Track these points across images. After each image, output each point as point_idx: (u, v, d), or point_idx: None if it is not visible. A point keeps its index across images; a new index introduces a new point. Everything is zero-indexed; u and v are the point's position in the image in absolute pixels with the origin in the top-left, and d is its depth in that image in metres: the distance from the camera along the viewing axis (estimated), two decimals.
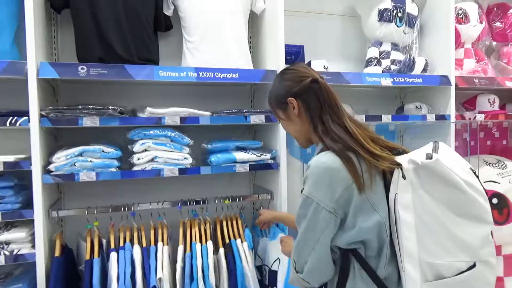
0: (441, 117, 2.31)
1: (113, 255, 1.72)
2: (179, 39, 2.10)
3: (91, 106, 1.71)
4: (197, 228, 1.90)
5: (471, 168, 1.15)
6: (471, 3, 2.55)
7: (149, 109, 1.78)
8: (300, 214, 1.19)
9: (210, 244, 1.81)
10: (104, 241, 1.82)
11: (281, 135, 1.98)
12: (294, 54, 2.21)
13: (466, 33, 2.49)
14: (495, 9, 2.70)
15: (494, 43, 2.73)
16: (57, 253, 1.71)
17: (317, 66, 2.17)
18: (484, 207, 1.09)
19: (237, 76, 1.90)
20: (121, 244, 1.80)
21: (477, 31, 2.53)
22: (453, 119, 2.33)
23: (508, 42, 2.69)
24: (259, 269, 1.97)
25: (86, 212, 1.80)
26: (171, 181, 2.18)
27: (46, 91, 1.80)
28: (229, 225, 1.98)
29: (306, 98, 1.26)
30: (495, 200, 2.40)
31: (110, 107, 1.72)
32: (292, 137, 1.39)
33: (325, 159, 1.17)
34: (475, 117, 2.42)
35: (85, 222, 1.82)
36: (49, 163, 1.70)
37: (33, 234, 1.68)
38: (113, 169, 1.76)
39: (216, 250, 1.85)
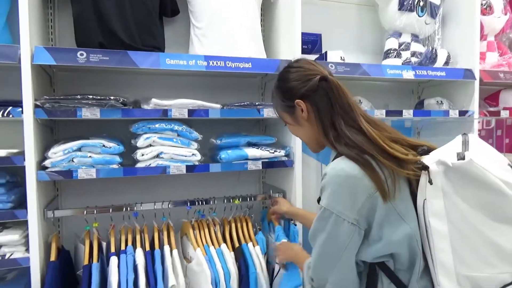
0: (464, 113, 2.16)
1: (114, 260, 1.57)
2: (186, 26, 1.95)
3: (91, 96, 1.55)
4: (206, 230, 1.75)
5: (509, 164, 1.01)
6: None
7: (154, 100, 1.63)
8: (318, 228, 1.07)
9: (224, 247, 1.67)
10: (104, 244, 1.68)
11: None
12: (311, 43, 2.06)
13: (489, 25, 2.34)
14: None
15: None
16: (52, 257, 1.56)
17: (334, 57, 2.02)
18: None
19: (250, 66, 1.75)
20: (123, 247, 1.65)
21: (501, 23, 2.39)
22: (476, 115, 2.18)
23: None
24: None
25: (85, 212, 1.65)
26: (175, 179, 2.03)
27: (41, 79, 1.64)
28: (239, 227, 1.83)
29: (315, 100, 1.12)
30: None
31: (112, 97, 1.56)
32: (302, 141, 1.29)
33: (343, 166, 1.03)
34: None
35: (84, 223, 1.67)
36: (45, 158, 1.55)
37: (27, 237, 1.53)
38: (115, 166, 1.61)
39: None
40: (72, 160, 1.57)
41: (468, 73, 2.16)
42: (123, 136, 1.76)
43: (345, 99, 1.12)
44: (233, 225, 1.83)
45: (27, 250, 1.55)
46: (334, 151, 1.15)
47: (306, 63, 1.18)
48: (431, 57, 2.16)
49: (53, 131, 1.85)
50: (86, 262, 1.57)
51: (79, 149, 1.58)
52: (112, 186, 1.94)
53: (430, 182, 0.99)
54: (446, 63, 2.22)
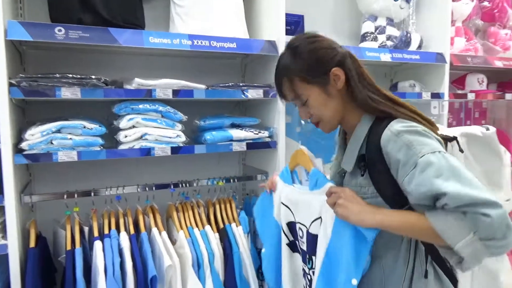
0: (436, 96, 2.26)
1: (98, 244, 1.53)
2: (164, 4, 1.88)
3: (70, 75, 1.47)
4: (190, 212, 1.74)
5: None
6: None
7: (137, 80, 1.58)
8: (437, 175, 0.90)
9: (208, 228, 1.67)
10: (86, 228, 1.63)
11: (279, 111, 1.84)
12: (294, 24, 2.05)
13: (459, 10, 2.44)
14: None
15: (481, 22, 2.71)
16: (32, 244, 1.50)
17: None
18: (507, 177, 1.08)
19: (235, 46, 1.72)
20: (106, 231, 1.61)
21: (469, 9, 2.49)
22: (446, 97, 2.29)
23: (495, 22, 2.69)
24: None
25: (65, 196, 1.59)
26: (156, 162, 1.99)
27: (12, 57, 1.54)
28: (223, 208, 1.84)
29: (349, 66, 1.08)
30: None
31: (93, 76, 1.50)
32: (321, 119, 1.13)
33: (409, 123, 1.00)
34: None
35: (61, 208, 1.61)
36: (21, 140, 1.47)
37: (3, 223, 1.45)
38: (97, 148, 1.55)
39: None
40: (51, 142, 1.49)
41: (439, 57, 2.26)
42: (101, 118, 1.69)
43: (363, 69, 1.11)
44: (217, 206, 1.82)
45: (4, 237, 1.47)
46: (370, 117, 1.09)
47: (318, 34, 1.14)
48: (406, 41, 2.23)
49: (24, 113, 1.75)
50: (68, 247, 1.52)
51: (58, 131, 1.51)
52: (92, 170, 1.87)
53: (462, 150, 1.05)
54: (419, 47, 2.30)
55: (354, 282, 1.04)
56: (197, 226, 1.72)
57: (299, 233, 1.27)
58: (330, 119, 1.13)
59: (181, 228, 1.68)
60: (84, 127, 1.54)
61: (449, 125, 2.40)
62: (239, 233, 1.75)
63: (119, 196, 1.68)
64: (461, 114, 2.90)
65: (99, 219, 1.65)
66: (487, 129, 1.14)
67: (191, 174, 1.96)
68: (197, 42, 1.66)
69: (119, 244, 1.56)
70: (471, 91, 2.45)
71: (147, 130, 1.61)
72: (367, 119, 1.10)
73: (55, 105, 1.77)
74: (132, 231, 1.63)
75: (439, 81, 2.31)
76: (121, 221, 1.65)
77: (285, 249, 1.34)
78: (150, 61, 1.94)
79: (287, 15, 1.84)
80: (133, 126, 1.62)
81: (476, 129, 1.23)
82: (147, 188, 1.71)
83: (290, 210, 1.30)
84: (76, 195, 1.60)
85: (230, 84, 1.78)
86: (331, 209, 1.07)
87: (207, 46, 1.67)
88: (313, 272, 1.19)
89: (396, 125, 1.00)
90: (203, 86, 1.71)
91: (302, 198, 1.24)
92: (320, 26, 2.35)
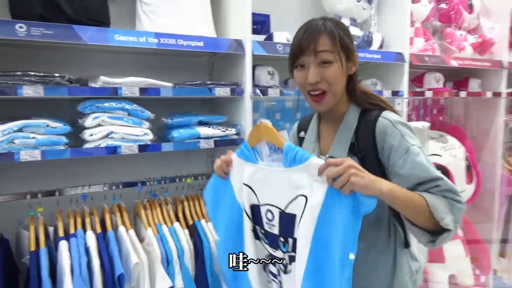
0: (396, 93, 2.37)
1: (63, 244, 1.52)
2: (130, 2, 1.87)
3: (32, 73, 1.45)
4: (158, 210, 1.75)
5: None
6: None
7: (103, 78, 1.56)
8: (420, 162, 1.08)
9: (177, 225, 1.68)
10: (51, 229, 1.61)
11: (246, 108, 1.88)
12: (260, 23, 2.08)
13: (418, 12, 2.55)
14: None
15: (438, 23, 2.85)
16: None
17: (280, 38, 2.07)
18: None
19: (202, 45, 1.74)
20: (72, 231, 1.60)
21: (427, 10, 2.61)
22: (406, 95, 2.40)
23: (451, 23, 2.83)
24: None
25: (29, 197, 1.56)
26: (123, 160, 1.97)
27: None
28: (191, 205, 1.86)
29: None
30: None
31: (56, 74, 1.47)
32: (329, 90, 1.16)
33: (400, 117, 1.19)
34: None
35: (25, 209, 1.58)
36: None
37: None
38: (61, 147, 1.53)
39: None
40: (13, 142, 1.46)
41: (399, 56, 2.36)
42: (65, 117, 1.66)
43: None
44: (185, 203, 1.84)
45: None
46: (357, 108, 1.22)
47: None
48: (368, 41, 2.31)
49: None
50: (32, 248, 1.49)
51: (20, 130, 1.47)
52: (56, 170, 1.83)
53: None
54: (381, 46, 2.39)
55: (352, 256, 0.99)
56: (165, 223, 1.73)
57: (267, 216, 1.15)
58: (336, 93, 1.17)
59: (149, 225, 1.68)
60: (48, 125, 1.51)
61: (410, 120, 2.52)
62: (209, 228, 1.77)
63: (85, 195, 1.67)
64: (421, 110, 3.05)
65: (65, 219, 1.63)
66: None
67: (159, 172, 1.96)
68: (164, 40, 1.66)
69: (85, 243, 1.56)
70: (429, 89, 2.58)
71: (113, 129, 1.61)
72: (355, 109, 1.22)
73: (16, 104, 1.72)
74: (98, 230, 1.62)
75: (399, 79, 2.42)
76: (87, 220, 1.64)
77: (249, 235, 1.20)
78: (116, 58, 1.92)
79: (253, 14, 1.87)
80: (99, 125, 1.61)
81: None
82: (113, 187, 1.71)
83: (254, 191, 1.17)
84: (39, 195, 1.57)
85: (197, 82, 1.79)
86: (322, 183, 1.01)
87: (173, 45, 1.68)
88: (290, 257, 1.12)
89: (390, 115, 1.16)
90: (170, 84, 1.72)
91: (275, 177, 1.11)
92: (286, 26, 2.39)
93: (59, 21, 1.51)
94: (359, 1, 2.33)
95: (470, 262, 2.77)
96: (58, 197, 1.61)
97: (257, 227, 1.20)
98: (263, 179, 1.14)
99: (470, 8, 2.89)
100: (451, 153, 2.62)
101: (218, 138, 1.85)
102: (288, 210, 1.10)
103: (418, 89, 2.61)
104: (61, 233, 1.57)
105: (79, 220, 1.63)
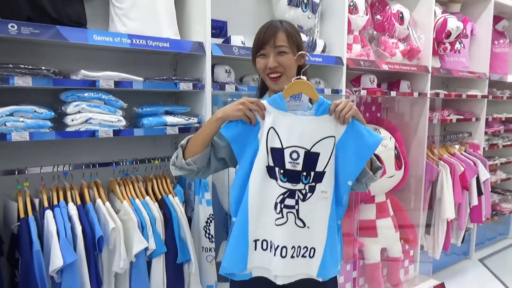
0: (335, 91, 2.78)
1: (49, 213, 1.77)
2: (103, 2, 2.13)
3: (22, 66, 1.70)
4: (131, 186, 2.04)
5: None
6: None
7: (83, 71, 1.84)
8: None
9: (148, 199, 1.98)
10: (36, 201, 1.85)
11: (206, 101, 2.20)
12: (218, 28, 2.41)
13: (355, 22, 2.98)
14: (377, 4, 3.26)
15: (375, 32, 3.30)
16: None
17: (236, 41, 2.41)
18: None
19: (168, 46, 2.05)
20: (55, 202, 1.85)
21: (364, 21, 3.04)
22: (344, 93, 2.82)
23: (385, 32, 3.29)
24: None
25: (17, 172, 1.80)
26: (101, 143, 2.23)
27: None
28: (159, 183, 2.16)
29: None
30: None
31: (43, 67, 1.73)
32: (285, 73, 1.53)
33: None
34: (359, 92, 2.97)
35: (12, 184, 1.81)
36: None
37: None
38: (47, 130, 1.79)
39: None
40: (5, 124, 1.70)
41: (338, 60, 2.77)
42: (45, 105, 1.90)
43: None
44: (154, 181, 2.14)
45: None
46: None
47: None
48: (312, 46, 2.71)
49: None
50: (22, 215, 1.74)
51: (11, 114, 1.72)
52: (41, 150, 2.06)
53: None
54: (323, 51, 2.79)
55: (349, 183, 1.43)
56: (138, 197, 2.02)
57: (292, 156, 1.40)
58: (289, 76, 1.52)
59: (124, 199, 1.97)
60: (35, 111, 1.76)
61: None
62: (176, 202, 2.07)
63: (66, 172, 1.92)
64: (361, 107, 3.49)
65: (48, 193, 1.88)
66: None
67: (131, 154, 2.24)
68: (136, 41, 1.95)
69: (68, 213, 1.82)
70: (364, 88, 3.02)
71: (92, 115, 1.88)
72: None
73: (4, 93, 1.94)
74: (79, 203, 1.89)
75: (338, 79, 2.83)
76: (68, 194, 1.89)
77: (259, 172, 1.41)
78: (94, 54, 2.17)
79: (212, 20, 2.20)
80: (79, 112, 1.87)
81: None
82: (91, 166, 1.97)
83: (278, 136, 1.41)
84: (26, 171, 1.82)
85: (164, 77, 2.10)
86: (342, 126, 1.40)
87: (144, 45, 1.98)
88: (310, 187, 1.41)
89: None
90: (140, 79, 2.01)
91: (305, 124, 1.40)
92: (241, 31, 2.74)
93: (44, 22, 1.76)
94: (304, 11, 2.72)
95: (399, 238, 3.24)
96: (42, 173, 1.86)
97: (276, 168, 1.41)
98: (290, 125, 1.41)
99: (401, 20, 3.35)
100: (382, 143, 3.07)
101: (182, 126, 2.16)
102: (313, 150, 1.40)
103: (355, 88, 3.04)
104: (45, 204, 1.82)
105: (61, 194, 1.88)
